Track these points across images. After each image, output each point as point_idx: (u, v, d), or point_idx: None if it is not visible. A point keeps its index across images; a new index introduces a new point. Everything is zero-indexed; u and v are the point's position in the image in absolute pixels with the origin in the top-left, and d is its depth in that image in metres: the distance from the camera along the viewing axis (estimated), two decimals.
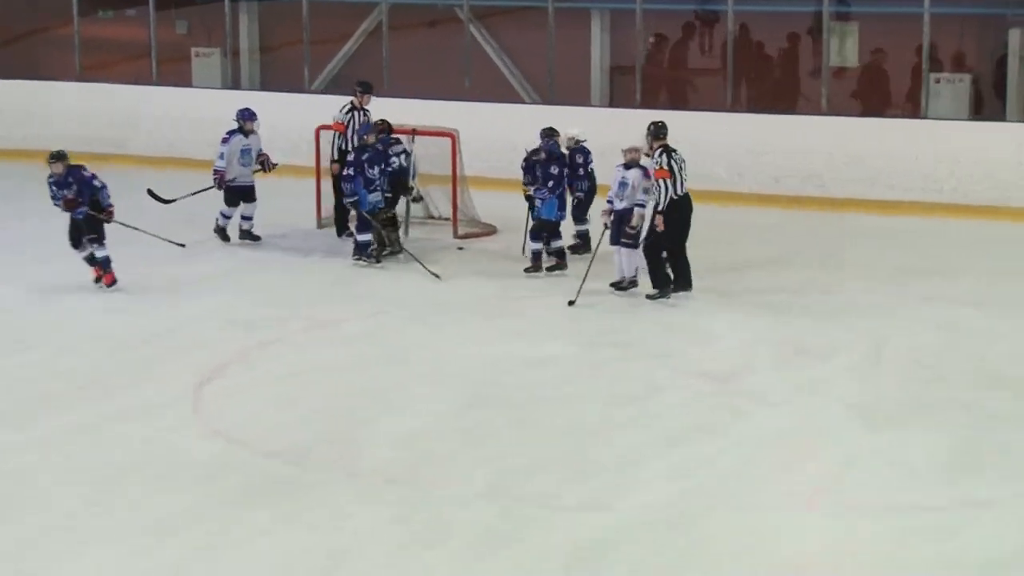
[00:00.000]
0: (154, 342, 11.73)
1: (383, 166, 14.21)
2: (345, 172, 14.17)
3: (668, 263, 12.77)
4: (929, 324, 12.15)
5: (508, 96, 19.72)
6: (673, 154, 12.72)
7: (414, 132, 15.33)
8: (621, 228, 12.81)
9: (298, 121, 18.14)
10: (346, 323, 12.28)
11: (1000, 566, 7.71)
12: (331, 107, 17.47)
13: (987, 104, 17.84)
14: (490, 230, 15.73)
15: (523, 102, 19.69)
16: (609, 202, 12.96)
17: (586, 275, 12.74)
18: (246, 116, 15.13)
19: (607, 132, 17.80)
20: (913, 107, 17.64)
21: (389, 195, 14.35)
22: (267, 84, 21.16)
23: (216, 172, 14.90)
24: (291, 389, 10.57)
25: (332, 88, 20.40)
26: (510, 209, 15.81)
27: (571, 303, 12.54)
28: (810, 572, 7.73)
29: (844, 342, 11.54)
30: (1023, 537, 8.06)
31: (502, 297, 13.12)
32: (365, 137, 14.25)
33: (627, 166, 12.94)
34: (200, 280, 13.68)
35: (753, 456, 9.28)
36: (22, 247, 15.08)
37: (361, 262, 14.06)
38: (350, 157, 14.37)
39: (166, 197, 15.28)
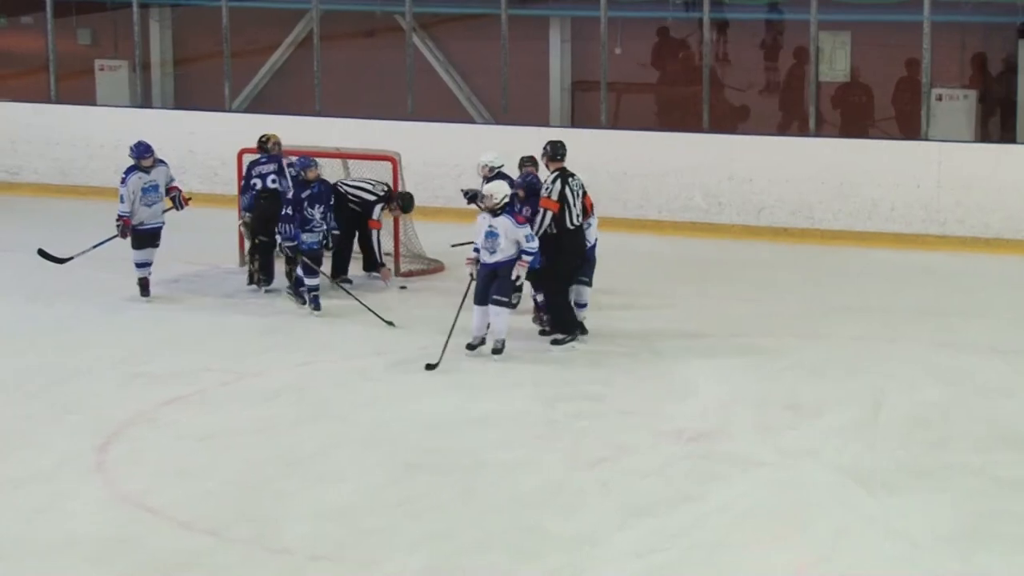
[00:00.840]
0: (43, 396, 11.61)
1: (325, 205, 14.02)
2: (283, 212, 14.04)
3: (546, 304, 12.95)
4: (934, 376, 12.13)
5: (456, 115, 19.72)
6: (570, 180, 12.79)
7: (347, 156, 15.28)
8: (491, 285, 12.43)
9: (217, 144, 18.07)
10: (269, 376, 12.16)
11: None
12: (254, 127, 17.42)
13: (995, 123, 17.94)
14: (437, 267, 15.65)
15: (473, 122, 19.70)
16: (476, 251, 12.53)
17: (451, 332, 12.45)
18: (140, 152, 14.48)
19: (569, 155, 17.90)
20: (912, 127, 17.68)
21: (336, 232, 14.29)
22: (182, 101, 21.10)
23: (119, 218, 14.25)
24: (202, 454, 10.44)
25: (256, 106, 20.35)
26: (457, 243, 15.82)
27: (430, 367, 12.17)
28: None
29: (836, 397, 11.50)
30: None
31: (442, 344, 12.99)
32: (304, 173, 14.00)
33: (493, 212, 12.40)
34: (98, 323, 13.54)
35: (733, 528, 9.19)
36: None
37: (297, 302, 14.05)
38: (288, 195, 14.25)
39: (61, 256, 14.65)
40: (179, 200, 14.74)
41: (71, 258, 14.55)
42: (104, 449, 10.42)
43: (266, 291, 14.57)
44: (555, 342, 12.83)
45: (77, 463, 10.17)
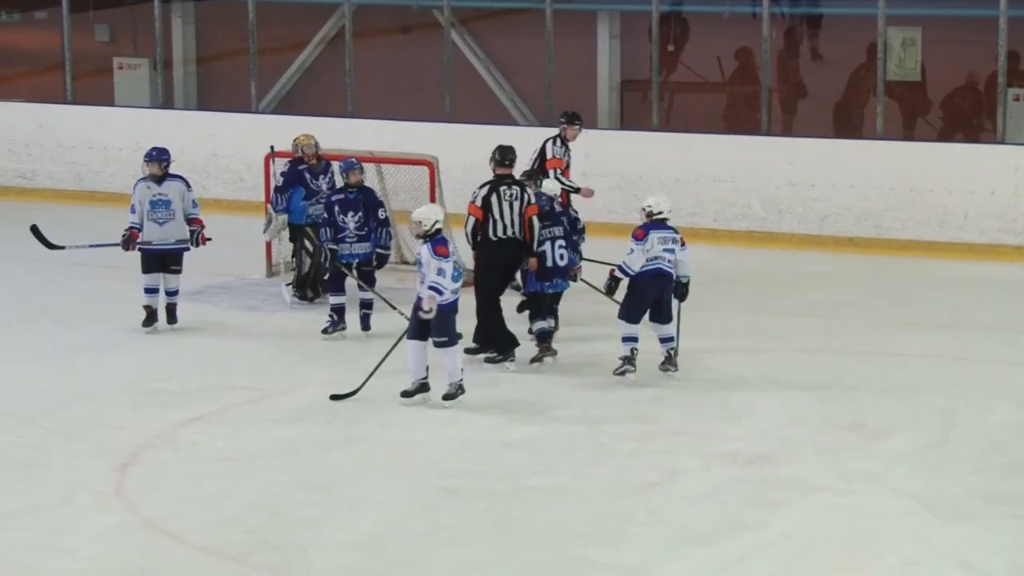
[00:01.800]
0: (57, 416, 11.64)
1: (364, 214, 13.75)
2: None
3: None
4: (1008, 397, 12.06)
5: (498, 117, 19.71)
6: (502, 190, 12.81)
7: (381, 160, 15.30)
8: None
9: (243, 147, 18.13)
10: (294, 394, 12.17)
11: None
12: (282, 129, 17.48)
13: None
14: (467, 280, 15.62)
15: (516, 124, 19.67)
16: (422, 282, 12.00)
17: (379, 364, 12.20)
18: (150, 157, 13.84)
19: (618, 159, 17.96)
20: (988, 129, 17.59)
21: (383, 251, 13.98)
22: (205, 102, 21.16)
23: (127, 229, 13.72)
24: (224, 477, 10.45)
25: (284, 107, 20.39)
26: None
27: (336, 397, 11.88)
28: None
29: (904, 418, 11.48)
30: None
31: (481, 360, 13.01)
32: (345, 175, 13.80)
33: (421, 239, 11.97)
34: (114, 337, 13.58)
35: (793, 558, 9.15)
36: None
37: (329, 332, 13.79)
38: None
39: (54, 242, 14.43)
40: (197, 237, 13.83)
41: (63, 247, 14.34)
42: (122, 472, 10.45)
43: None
44: (488, 360, 12.86)
45: (94, 487, 10.19)
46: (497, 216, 12.82)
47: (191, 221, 13.77)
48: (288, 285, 14.67)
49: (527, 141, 18.49)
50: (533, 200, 12.91)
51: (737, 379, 12.26)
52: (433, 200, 15.32)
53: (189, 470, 10.63)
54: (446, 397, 11.76)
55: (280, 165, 15.22)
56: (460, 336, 11.88)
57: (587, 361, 12.99)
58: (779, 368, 12.74)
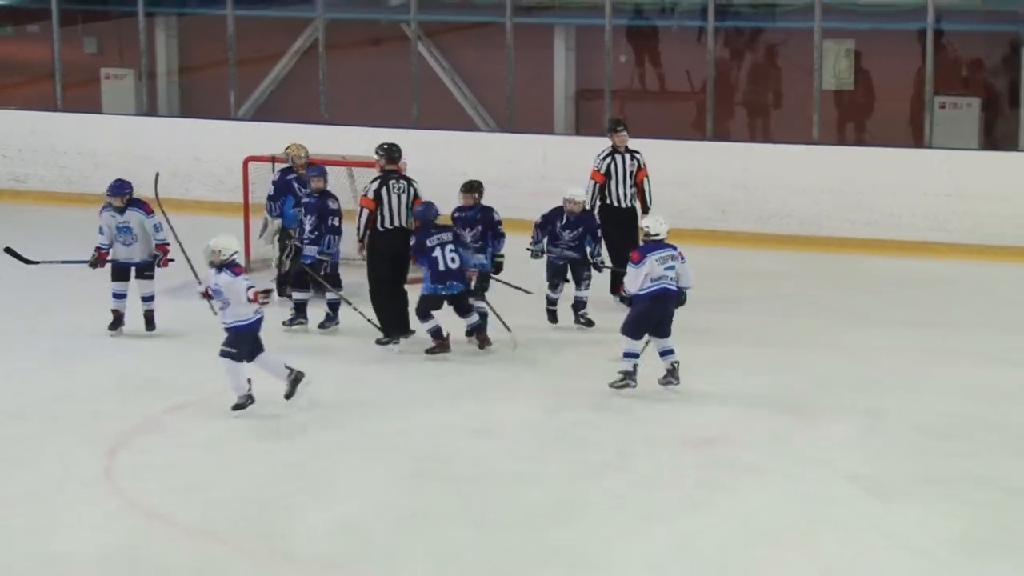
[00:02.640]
0: (48, 407, 11.51)
1: (317, 219, 13.64)
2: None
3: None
4: (948, 385, 12.04)
5: (462, 124, 19.68)
6: (391, 184, 13.03)
7: (353, 164, 15.19)
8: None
9: (223, 152, 18.04)
10: (273, 383, 12.00)
11: None
12: (260, 136, 17.43)
13: (999, 131, 17.88)
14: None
15: (479, 130, 19.64)
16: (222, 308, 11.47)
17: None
18: (112, 191, 13.50)
19: (574, 163, 17.88)
20: (916, 135, 17.60)
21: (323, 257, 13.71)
22: (188, 110, 21.07)
23: (96, 249, 13.48)
24: (209, 463, 10.37)
25: (262, 115, 20.30)
26: None
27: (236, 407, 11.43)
28: None
29: (848, 406, 11.41)
30: None
31: (451, 353, 12.92)
32: (309, 181, 13.81)
33: (216, 267, 11.32)
34: (96, 337, 13.40)
35: (742, 537, 9.10)
36: None
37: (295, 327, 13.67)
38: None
39: (29, 258, 13.77)
40: (159, 262, 13.54)
41: (37, 263, 13.83)
42: (111, 459, 10.32)
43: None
44: (377, 342, 12.96)
45: (84, 474, 10.08)
46: (387, 208, 12.90)
47: (156, 246, 13.51)
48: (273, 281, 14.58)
49: (490, 146, 18.59)
50: (419, 194, 13.11)
51: (690, 368, 12.12)
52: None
53: (175, 457, 10.52)
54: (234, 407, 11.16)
55: (262, 171, 15.18)
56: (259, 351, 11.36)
57: (546, 351, 12.95)
58: (730, 358, 12.69)
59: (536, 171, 17.97)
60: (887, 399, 11.56)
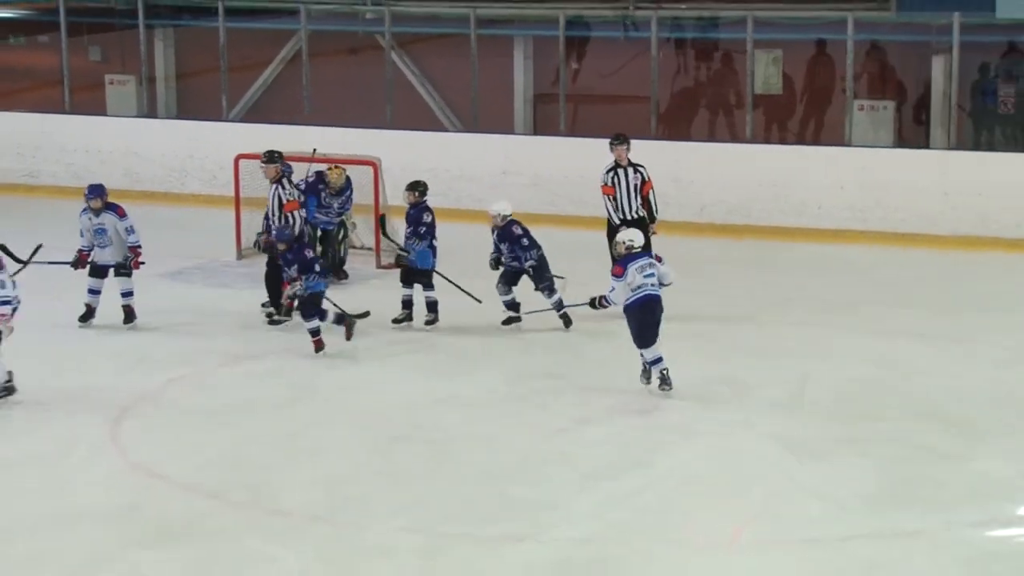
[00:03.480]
0: (58, 380, 11.52)
1: None
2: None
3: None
4: (859, 357, 12.10)
5: (431, 124, 19.67)
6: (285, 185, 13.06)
7: (332, 161, 15.20)
8: None
9: (216, 150, 18.01)
10: (262, 359, 12.12)
11: None
12: (249, 136, 17.42)
13: (911, 131, 18.00)
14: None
15: (446, 130, 19.65)
16: None
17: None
18: (91, 193, 13.05)
19: (532, 161, 17.99)
20: (837, 134, 17.72)
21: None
22: (184, 112, 21.01)
23: (78, 251, 13.06)
24: (203, 428, 10.40)
25: (251, 116, 20.27)
26: None
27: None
28: None
29: (772, 374, 11.50)
30: (950, 567, 8.08)
31: (422, 331, 12.98)
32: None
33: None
34: (102, 316, 13.25)
35: (677, 491, 9.22)
36: None
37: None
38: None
39: (20, 257, 12.99)
40: (130, 264, 13.00)
41: (25, 263, 12.93)
42: (114, 425, 10.36)
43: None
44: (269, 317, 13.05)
45: (90, 439, 10.11)
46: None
47: (128, 248, 12.98)
48: None
49: (455, 145, 18.63)
50: (293, 197, 12.97)
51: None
52: (377, 196, 15.27)
53: (171, 423, 10.56)
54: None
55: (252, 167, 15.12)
56: None
57: (508, 332, 12.95)
58: (669, 333, 12.62)
59: (498, 167, 18.00)
60: (805, 368, 11.65)
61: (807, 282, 14.87)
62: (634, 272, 10.96)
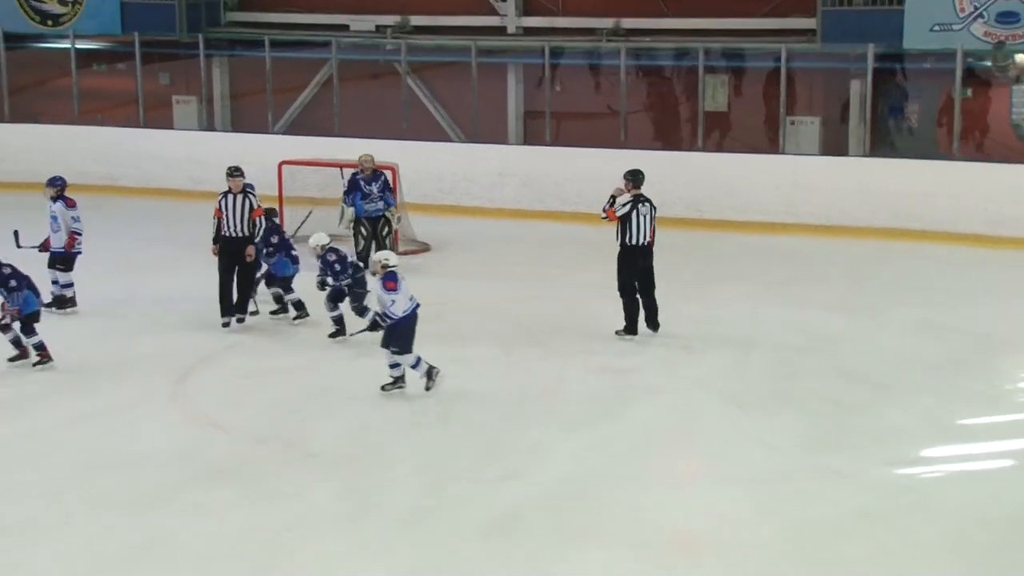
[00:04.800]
0: (134, 343, 11.42)
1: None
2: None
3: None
4: (792, 327, 12.02)
5: (439, 135, 19.56)
6: (252, 195, 11.91)
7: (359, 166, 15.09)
8: None
9: (263, 158, 17.83)
10: (298, 330, 11.98)
11: (847, 524, 7.66)
12: (291, 146, 17.35)
13: (833, 142, 17.91)
14: (424, 247, 15.50)
15: (451, 140, 19.53)
16: None
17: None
18: (47, 183, 12.37)
19: (524, 165, 17.98)
20: (772, 144, 17.62)
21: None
22: (237, 126, 20.88)
23: (46, 238, 12.33)
24: (250, 387, 10.31)
25: (291, 130, 20.18)
26: (440, 230, 15.74)
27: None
28: (690, 535, 7.61)
29: (721, 342, 11.39)
30: (867, 500, 8.04)
31: (430, 304, 12.80)
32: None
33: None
34: (173, 294, 13.23)
35: (644, 439, 9.15)
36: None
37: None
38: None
39: (23, 243, 12.08)
40: (64, 244, 12.21)
41: (21, 247, 11.96)
42: (177, 384, 10.29)
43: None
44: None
45: (158, 394, 10.04)
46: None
47: (70, 232, 12.21)
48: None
49: (459, 153, 18.53)
50: (259, 205, 11.91)
51: (605, 315, 12.11)
52: (395, 194, 15.13)
53: (224, 382, 10.50)
54: None
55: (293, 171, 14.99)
56: None
57: (504, 308, 12.83)
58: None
59: (494, 171, 17.91)
60: (747, 337, 11.56)
61: (748, 266, 14.79)
62: (405, 285, 9.89)
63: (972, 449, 8.94)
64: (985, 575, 7.09)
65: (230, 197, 11.94)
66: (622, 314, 11.48)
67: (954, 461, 8.78)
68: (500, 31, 19.60)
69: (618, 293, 11.41)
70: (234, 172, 12.12)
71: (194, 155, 19.15)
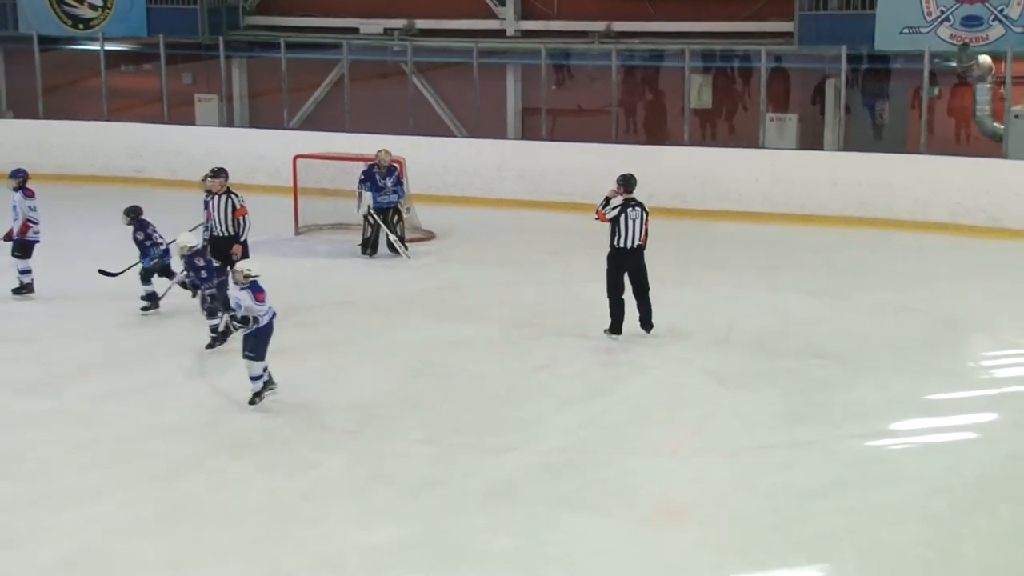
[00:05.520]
0: (163, 324, 11.47)
1: None
2: None
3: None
4: (769, 309, 12.06)
5: (443, 131, 19.56)
6: (235, 195, 11.42)
7: (369, 159, 15.10)
8: None
9: (279, 152, 17.90)
10: (310, 311, 12.01)
11: (819, 491, 7.70)
12: (305, 141, 17.37)
13: (809, 137, 17.92)
14: (429, 235, 15.52)
15: (454, 135, 19.53)
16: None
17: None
18: (9, 175, 12.03)
19: (521, 158, 17.99)
20: (753, 139, 17.64)
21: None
22: (255, 122, 20.88)
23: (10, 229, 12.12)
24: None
25: (305, 126, 20.17)
26: (444, 220, 15.77)
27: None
28: (675, 501, 7.66)
29: (703, 323, 11.43)
30: (837, 469, 8.09)
31: (434, 288, 12.90)
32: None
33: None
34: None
35: (632, 413, 9.19)
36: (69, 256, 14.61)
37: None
38: None
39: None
40: (18, 231, 12.00)
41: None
42: (202, 360, 10.34)
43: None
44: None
45: (186, 370, 10.10)
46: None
47: (24, 220, 11.95)
48: (358, 245, 14.32)
49: (461, 147, 18.52)
50: (242, 204, 11.40)
51: (596, 302, 12.08)
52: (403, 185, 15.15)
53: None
54: None
55: (306, 164, 15.00)
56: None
57: (499, 292, 12.87)
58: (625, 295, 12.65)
59: (494, 165, 17.93)
60: (729, 319, 11.59)
61: (730, 253, 14.81)
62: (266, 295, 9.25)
63: (935, 423, 8.98)
64: (945, 537, 7.14)
65: (215, 198, 11.56)
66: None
67: (919, 434, 8.82)
68: (500, 34, 19.60)
69: (606, 293, 10.99)
70: (217, 173, 11.65)
71: (214, 149, 19.07)
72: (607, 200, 10.95)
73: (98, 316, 11.69)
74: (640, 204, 11.00)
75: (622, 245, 10.85)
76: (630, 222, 10.87)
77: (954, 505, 7.55)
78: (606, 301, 11.25)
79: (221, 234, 11.59)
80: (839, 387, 9.69)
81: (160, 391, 9.61)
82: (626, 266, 10.86)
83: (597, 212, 10.96)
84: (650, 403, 9.45)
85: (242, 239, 11.55)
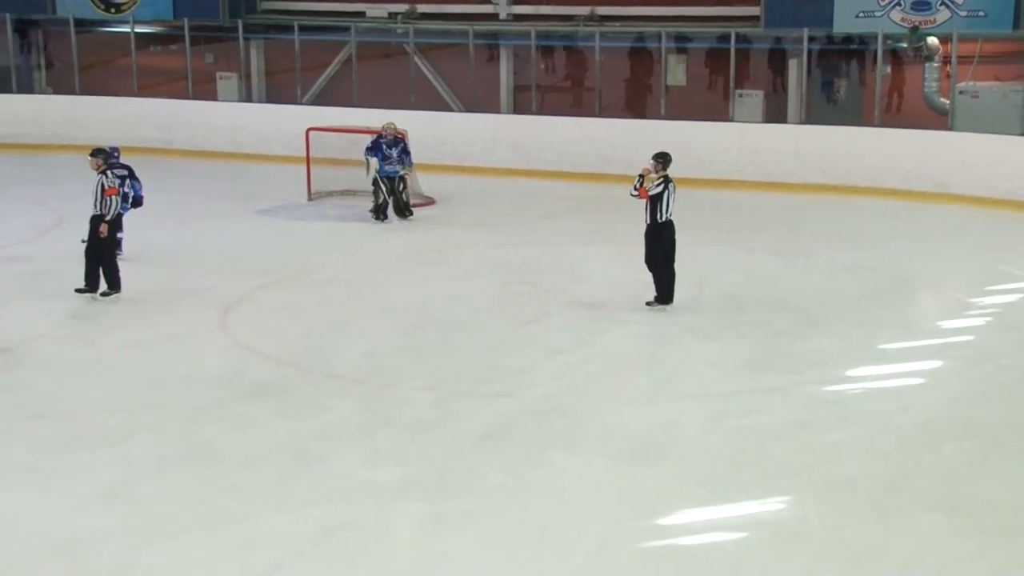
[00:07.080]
0: (180, 281, 11.32)
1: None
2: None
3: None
4: (736, 267, 12.01)
5: (442, 106, 19.33)
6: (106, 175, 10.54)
7: (375, 132, 14.94)
8: None
9: (293, 125, 17.70)
10: (323, 269, 11.93)
11: (781, 431, 7.69)
12: (317, 115, 17.18)
13: (774, 111, 17.77)
14: (430, 201, 15.39)
15: (452, 110, 19.34)
16: None
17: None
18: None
19: (513, 132, 17.85)
20: (723, 113, 17.49)
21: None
22: (271, 98, 20.60)
23: None
24: (284, 318, 10.25)
25: (318, 101, 19.95)
26: (443, 186, 15.63)
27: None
28: (652, 441, 7.62)
29: (679, 281, 11.14)
30: (798, 411, 8.06)
31: (435, 249, 12.80)
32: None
33: None
34: (214, 239, 13.13)
35: (614, 363, 9.15)
36: None
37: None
38: None
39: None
40: None
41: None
42: (224, 314, 10.24)
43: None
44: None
45: (208, 323, 9.99)
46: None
47: None
48: (369, 211, 14.14)
49: (458, 121, 18.34)
50: (113, 185, 10.54)
51: (581, 261, 12.08)
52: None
53: (262, 314, 10.42)
54: None
55: (319, 136, 14.82)
56: None
57: (496, 252, 12.74)
58: (606, 256, 12.55)
59: (489, 137, 17.76)
60: (702, 277, 11.47)
61: (702, 216, 14.62)
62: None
63: (887, 369, 8.95)
64: (894, 472, 7.13)
65: (96, 179, 10.53)
66: (650, 279, 10.40)
67: (871, 379, 8.79)
68: (493, 17, 19.34)
69: (646, 267, 10.40)
70: (94, 154, 10.67)
71: (235, 123, 18.98)
72: (641, 177, 10.48)
73: (130, 272, 11.52)
74: (672, 180, 10.50)
75: (663, 220, 10.37)
76: (671, 197, 10.41)
77: (902, 444, 7.54)
78: (591, 259, 11.19)
79: (95, 212, 10.58)
80: (800, 338, 9.66)
81: (185, 341, 9.53)
82: (664, 239, 10.41)
83: (636, 188, 10.42)
84: (630, 353, 9.41)
85: (107, 219, 10.53)
